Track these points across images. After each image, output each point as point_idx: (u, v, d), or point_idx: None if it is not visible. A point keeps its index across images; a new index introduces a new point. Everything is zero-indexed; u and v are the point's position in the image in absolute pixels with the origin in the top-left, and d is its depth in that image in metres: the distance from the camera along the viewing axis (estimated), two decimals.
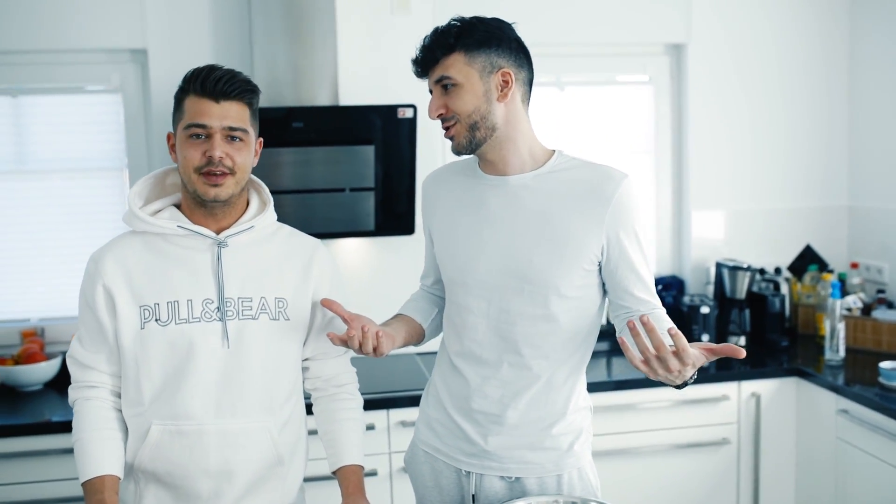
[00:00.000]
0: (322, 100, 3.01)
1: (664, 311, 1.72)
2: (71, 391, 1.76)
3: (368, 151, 2.98)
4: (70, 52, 3.14)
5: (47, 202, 3.21)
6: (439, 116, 1.71)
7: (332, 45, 3.01)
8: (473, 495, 1.79)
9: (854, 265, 3.52)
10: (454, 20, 1.70)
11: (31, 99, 3.16)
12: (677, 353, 1.43)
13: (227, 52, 3.13)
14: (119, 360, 1.71)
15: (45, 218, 3.22)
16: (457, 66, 1.66)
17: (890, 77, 3.38)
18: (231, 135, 1.67)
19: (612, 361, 3.22)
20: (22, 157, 3.17)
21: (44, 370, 3.02)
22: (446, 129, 1.71)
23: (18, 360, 3.02)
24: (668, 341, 1.44)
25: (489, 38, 1.67)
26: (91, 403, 1.72)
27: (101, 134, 3.22)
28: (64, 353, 3.13)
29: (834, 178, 3.64)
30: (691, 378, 1.52)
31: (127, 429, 1.73)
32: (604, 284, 1.75)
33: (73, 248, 3.23)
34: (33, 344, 3.09)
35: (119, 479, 1.67)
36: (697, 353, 1.45)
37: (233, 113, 1.67)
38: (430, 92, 1.74)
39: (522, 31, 1.78)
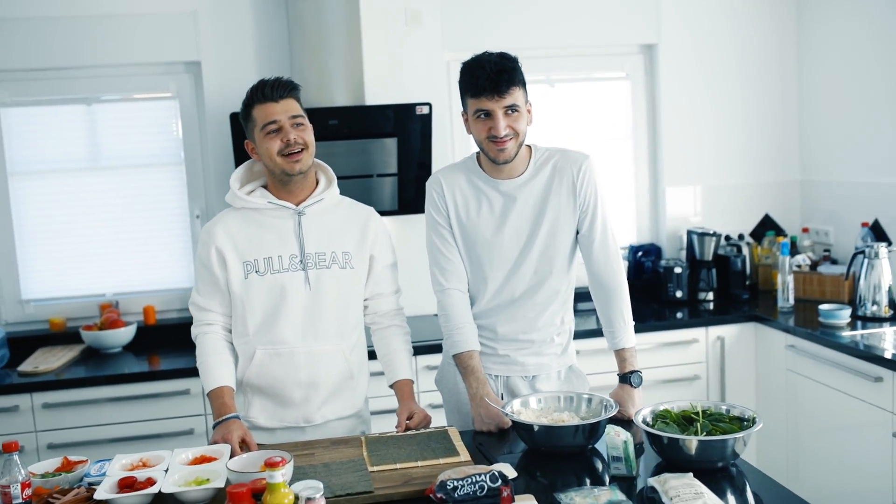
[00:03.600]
0: (347, 100, 3.56)
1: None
2: (193, 329, 2.32)
3: (392, 143, 3.54)
4: (134, 65, 3.71)
5: (117, 194, 3.77)
6: (505, 135, 2.16)
7: (358, 53, 3.56)
8: (502, 394, 2.39)
9: (805, 230, 4.11)
10: (511, 57, 2.16)
11: (103, 106, 3.72)
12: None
13: (269, 61, 3.70)
14: (229, 302, 2.27)
15: (116, 207, 3.77)
16: (520, 97, 2.17)
17: (831, 69, 3.96)
18: (295, 122, 2.22)
19: None
20: (95, 155, 3.73)
21: (124, 334, 3.58)
22: (502, 142, 2.16)
23: (102, 327, 3.58)
24: None
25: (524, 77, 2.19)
26: (209, 336, 2.28)
27: (161, 135, 3.78)
28: (137, 323, 3.71)
29: (787, 157, 4.22)
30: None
31: (236, 355, 2.29)
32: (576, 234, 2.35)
33: (140, 232, 3.80)
34: (112, 313, 3.64)
35: (233, 389, 2.23)
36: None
37: (291, 106, 2.23)
38: (481, 113, 2.15)
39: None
